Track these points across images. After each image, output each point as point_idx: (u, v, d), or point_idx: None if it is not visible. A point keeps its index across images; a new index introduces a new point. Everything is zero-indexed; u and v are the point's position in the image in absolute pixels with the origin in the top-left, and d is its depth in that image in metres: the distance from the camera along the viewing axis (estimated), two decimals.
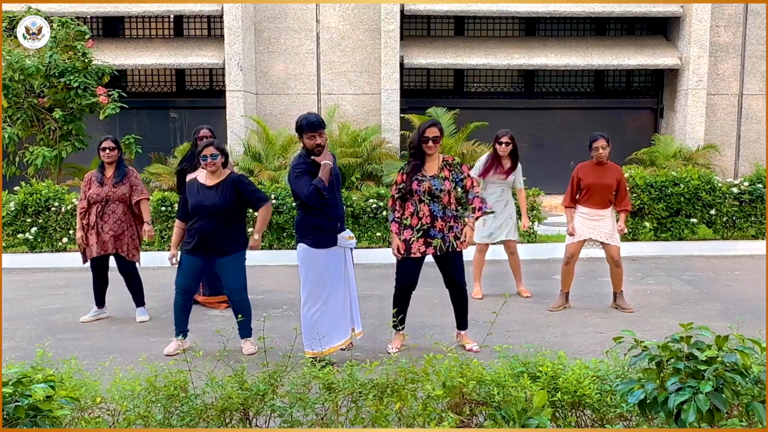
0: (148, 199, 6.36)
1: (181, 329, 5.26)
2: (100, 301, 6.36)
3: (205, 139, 6.14)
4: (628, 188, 6.62)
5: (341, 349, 4.96)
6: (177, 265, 5.24)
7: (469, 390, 2.92)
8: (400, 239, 5.09)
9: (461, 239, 5.15)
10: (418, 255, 5.08)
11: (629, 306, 6.33)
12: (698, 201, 9.41)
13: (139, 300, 6.36)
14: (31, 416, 2.55)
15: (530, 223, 9.18)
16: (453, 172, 5.12)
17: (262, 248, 9.33)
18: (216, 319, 6.27)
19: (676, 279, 7.73)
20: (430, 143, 5.04)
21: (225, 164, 5.20)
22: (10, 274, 8.42)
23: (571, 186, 6.41)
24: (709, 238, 9.67)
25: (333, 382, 3.02)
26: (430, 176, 5.06)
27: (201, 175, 5.22)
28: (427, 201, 5.05)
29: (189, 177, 5.38)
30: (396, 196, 5.17)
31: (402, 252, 5.08)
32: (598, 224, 6.30)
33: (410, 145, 5.22)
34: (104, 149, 6.23)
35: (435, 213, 5.05)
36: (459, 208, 5.20)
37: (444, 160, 5.15)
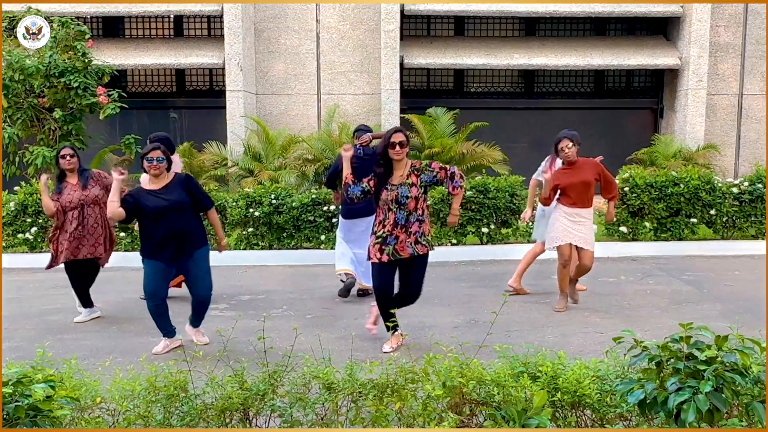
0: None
1: (166, 330, 5.34)
2: (87, 302, 6.35)
3: (68, 157, 6.26)
4: (612, 177, 6.53)
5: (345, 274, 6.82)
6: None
7: (469, 390, 2.92)
8: (369, 244, 5.25)
9: (425, 241, 5.17)
10: (375, 260, 5.15)
11: (577, 297, 6.53)
12: (698, 201, 9.41)
13: (86, 301, 6.37)
14: (31, 416, 2.55)
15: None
16: (422, 175, 5.10)
17: (261, 248, 9.34)
18: (216, 319, 6.28)
19: (676, 279, 7.73)
20: (398, 148, 5.03)
21: (168, 169, 5.29)
22: (10, 274, 8.42)
23: (548, 188, 6.36)
24: (709, 238, 9.67)
25: (333, 382, 3.02)
26: (397, 184, 5.08)
27: (145, 183, 5.28)
28: (395, 209, 5.07)
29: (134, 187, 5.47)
30: (350, 182, 5.21)
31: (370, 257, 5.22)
32: (578, 227, 6.31)
33: (377, 152, 5.22)
34: (63, 156, 6.26)
35: (398, 221, 5.08)
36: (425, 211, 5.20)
37: (412, 166, 5.14)
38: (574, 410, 2.97)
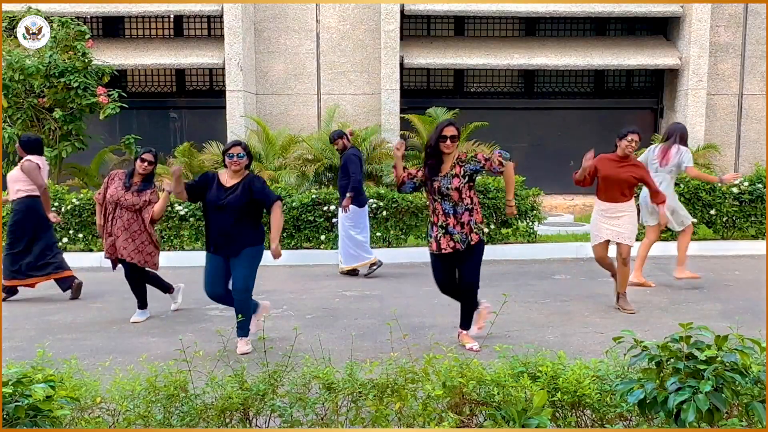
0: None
1: (242, 330, 5.26)
2: (142, 303, 6.34)
3: (146, 163, 6.19)
4: (655, 187, 6.53)
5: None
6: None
7: (469, 390, 2.92)
8: (432, 235, 5.26)
9: (478, 229, 5.22)
10: (449, 250, 5.17)
11: (631, 307, 6.32)
12: (698, 201, 9.41)
13: (142, 302, 6.36)
14: (31, 416, 2.55)
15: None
16: (466, 165, 5.15)
17: None
18: (216, 319, 6.28)
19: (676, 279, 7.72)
20: (448, 142, 5.11)
21: (248, 166, 5.27)
22: None
23: (584, 169, 6.31)
24: (709, 238, 9.67)
25: (333, 382, 3.02)
26: (442, 176, 5.15)
27: (222, 175, 5.26)
28: (439, 200, 5.17)
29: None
30: (406, 179, 5.27)
31: (434, 249, 5.24)
32: (617, 222, 6.29)
33: (428, 144, 5.28)
34: (143, 161, 6.17)
35: (446, 211, 5.16)
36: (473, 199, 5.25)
37: (457, 158, 5.20)
38: (574, 410, 2.97)
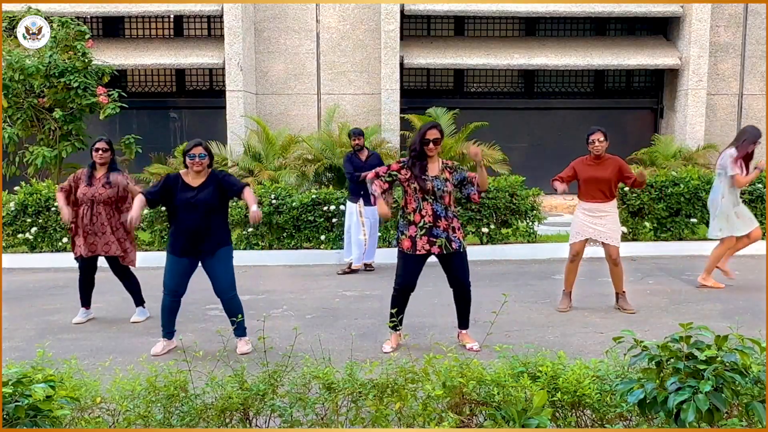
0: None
1: (168, 330, 5.32)
2: (86, 302, 6.33)
3: (100, 151, 6.17)
4: (632, 173, 6.58)
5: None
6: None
7: (469, 390, 2.92)
8: (405, 234, 5.15)
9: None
10: (423, 252, 5.10)
11: (631, 307, 6.32)
12: (698, 201, 9.41)
13: (137, 300, 6.37)
14: (31, 416, 2.55)
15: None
16: (454, 173, 5.19)
17: (261, 248, 9.34)
18: (216, 319, 6.27)
19: (676, 279, 7.73)
20: (431, 145, 5.09)
21: (210, 165, 5.25)
22: (10, 274, 8.43)
23: (563, 177, 6.39)
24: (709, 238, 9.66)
25: (333, 382, 3.02)
26: (433, 176, 5.12)
27: (185, 176, 5.25)
28: (431, 200, 5.11)
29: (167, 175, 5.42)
30: (385, 179, 5.18)
31: (407, 248, 5.13)
32: (600, 222, 6.28)
33: (411, 147, 5.24)
34: (97, 150, 6.19)
35: (438, 213, 5.11)
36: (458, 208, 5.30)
37: (444, 163, 5.23)
38: (574, 410, 2.97)
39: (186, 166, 5.20)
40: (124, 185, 6.18)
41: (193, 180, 5.18)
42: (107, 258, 6.23)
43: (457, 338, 5.38)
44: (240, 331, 5.27)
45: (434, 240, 5.10)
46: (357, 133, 8.45)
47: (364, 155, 8.33)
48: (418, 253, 5.11)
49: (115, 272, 6.33)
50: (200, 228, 5.11)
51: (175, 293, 5.23)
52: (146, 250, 8.98)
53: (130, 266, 6.35)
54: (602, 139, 6.27)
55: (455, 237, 5.14)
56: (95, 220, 6.12)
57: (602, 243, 6.34)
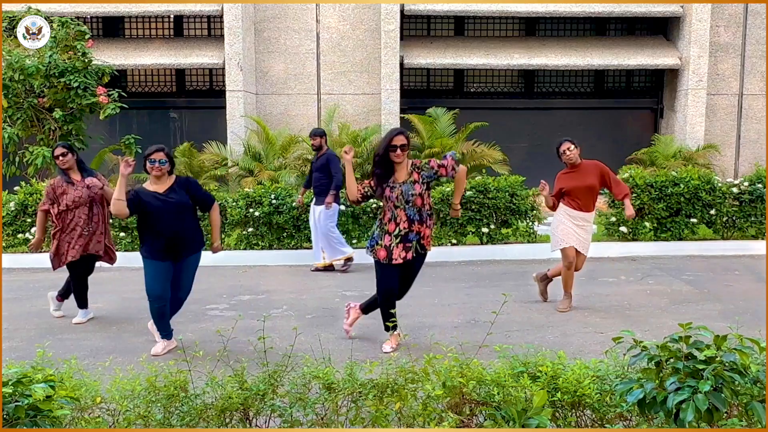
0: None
1: (165, 332, 5.36)
2: (83, 303, 6.33)
3: (60, 157, 6.17)
4: (616, 177, 6.60)
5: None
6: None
7: (469, 390, 2.92)
8: (380, 244, 5.16)
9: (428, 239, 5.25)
10: (400, 261, 5.12)
11: (568, 309, 6.38)
12: (698, 201, 9.42)
13: (82, 302, 6.35)
14: (31, 416, 2.55)
15: None
16: (422, 172, 5.13)
17: (261, 248, 9.34)
18: (216, 319, 6.28)
19: (676, 279, 7.73)
20: (398, 151, 5.05)
21: (171, 172, 5.27)
22: (10, 274, 8.43)
23: (549, 198, 6.46)
24: (709, 238, 9.67)
25: (333, 382, 3.02)
26: (400, 183, 5.10)
27: (148, 185, 5.25)
28: (403, 206, 5.09)
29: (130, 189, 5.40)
30: (361, 192, 5.19)
31: (383, 258, 5.14)
32: (581, 231, 6.35)
33: (375, 154, 5.20)
34: (57, 157, 6.19)
35: (412, 217, 5.10)
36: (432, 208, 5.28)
37: (413, 164, 5.17)
38: (574, 410, 2.98)
39: (146, 170, 5.22)
40: (99, 187, 6.20)
41: (156, 186, 5.20)
42: (89, 257, 6.23)
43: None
44: (167, 333, 5.38)
45: (409, 246, 5.12)
46: (313, 134, 8.45)
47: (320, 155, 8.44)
48: (394, 262, 5.13)
49: (88, 272, 6.32)
50: (176, 231, 5.15)
51: (161, 299, 5.24)
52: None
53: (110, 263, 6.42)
54: (572, 147, 6.35)
55: (422, 241, 5.15)
56: (93, 220, 6.14)
57: (576, 251, 6.35)
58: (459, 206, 5.39)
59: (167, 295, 5.28)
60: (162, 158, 5.16)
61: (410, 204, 5.08)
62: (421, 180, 5.11)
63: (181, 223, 5.17)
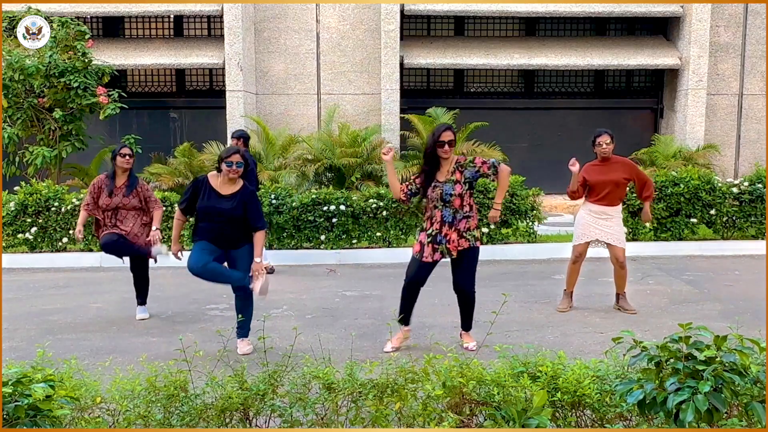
0: (162, 209, 6.37)
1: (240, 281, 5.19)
2: (141, 299, 6.35)
3: (127, 156, 6.20)
4: (647, 177, 6.53)
5: None
6: (186, 257, 5.21)
7: (469, 390, 2.92)
8: (417, 239, 5.25)
9: (470, 236, 5.18)
10: (429, 260, 5.14)
11: (631, 307, 6.31)
12: (698, 201, 9.41)
13: (141, 298, 6.36)
14: (31, 416, 2.56)
15: None
16: (465, 171, 5.10)
17: None
18: (216, 319, 6.28)
19: (676, 279, 7.73)
20: (446, 147, 5.05)
21: (243, 175, 5.23)
22: (10, 274, 8.43)
23: (575, 181, 6.33)
24: (709, 238, 9.67)
25: (333, 382, 3.02)
26: (442, 182, 5.10)
27: (214, 179, 5.22)
28: (440, 207, 5.10)
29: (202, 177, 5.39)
30: (404, 191, 5.23)
31: (416, 252, 5.19)
32: (606, 224, 6.26)
33: (426, 150, 5.20)
34: (124, 155, 6.15)
35: (444, 219, 5.10)
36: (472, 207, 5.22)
37: (456, 162, 5.14)
38: (574, 410, 2.98)
39: (219, 171, 5.16)
40: (146, 197, 6.20)
41: (223, 188, 5.15)
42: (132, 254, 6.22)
43: (459, 336, 5.41)
44: (242, 331, 5.26)
45: (437, 247, 5.13)
46: (235, 136, 8.10)
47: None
48: (424, 260, 5.15)
49: (134, 268, 6.31)
50: (222, 234, 5.10)
51: (199, 266, 5.04)
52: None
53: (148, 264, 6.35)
54: (609, 141, 6.24)
55: (458, 241, 5.11)
56: (122, 218, 6.13)
57: (608, 245, 6.30)
58: (500, 207, 5.35)
59: (205, 258, 5.06)
60: (239, 161, 5.08)
61: (448, 204, 5.07)
62: (463, 180, 5.08)
63: (226, 229, 5.09)
